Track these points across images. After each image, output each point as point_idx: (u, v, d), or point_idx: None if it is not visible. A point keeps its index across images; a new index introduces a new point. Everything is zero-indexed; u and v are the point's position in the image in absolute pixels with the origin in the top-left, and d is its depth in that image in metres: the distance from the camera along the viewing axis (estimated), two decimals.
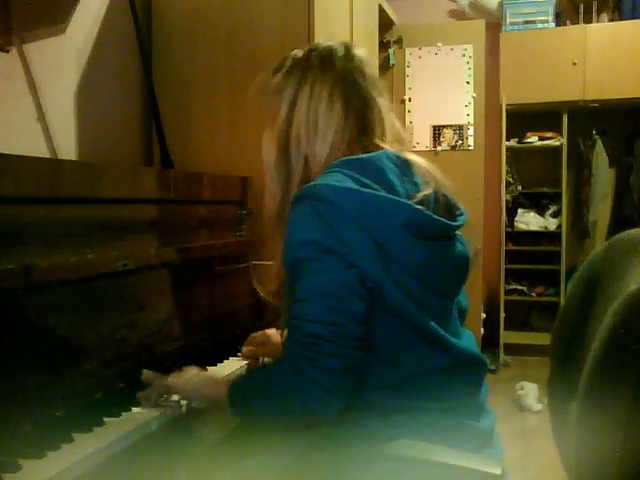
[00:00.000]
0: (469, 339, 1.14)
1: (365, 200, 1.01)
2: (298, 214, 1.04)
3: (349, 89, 1.13)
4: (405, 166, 1.10)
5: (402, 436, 1.01)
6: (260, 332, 1.50)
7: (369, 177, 1.05)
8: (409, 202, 1.03)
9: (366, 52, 1.20)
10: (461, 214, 1.14)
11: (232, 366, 1.41)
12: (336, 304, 0.97)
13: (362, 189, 1.02)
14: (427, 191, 1.08)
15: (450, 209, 1.12)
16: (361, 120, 1.14)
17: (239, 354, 1.50)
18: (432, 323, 1.04)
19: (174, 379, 1.17)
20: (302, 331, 0.98)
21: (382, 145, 1.13)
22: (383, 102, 1.17)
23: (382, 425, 1.03)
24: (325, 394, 0.97)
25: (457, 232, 1.13)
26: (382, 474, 1.01)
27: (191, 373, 1.19)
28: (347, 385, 0.99)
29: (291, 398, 0.98)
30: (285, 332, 1.10)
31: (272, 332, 1.50)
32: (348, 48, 1.18)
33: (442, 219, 1.06)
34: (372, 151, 1.11)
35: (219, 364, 1.42)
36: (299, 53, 1.20)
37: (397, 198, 1.03)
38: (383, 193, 1.03)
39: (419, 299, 1.03)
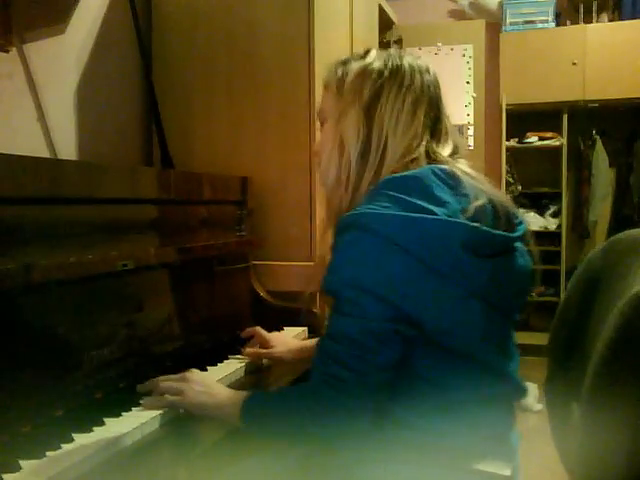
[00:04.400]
0: (516, 363, 1.11)
1: (416, 225, 0.96)
2: (343, 246, 1.00)
3: (430, 103, 1.12)
4: (452, 179, 1.05)
5: (427, 449, 1.01)
6: (264, 335, 1.51)
7: (415, 195, 0.99)
8: (464, 221, 0.98)
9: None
10: (520, 223, 1.09)
11: (231, 366, 1.41)
12: (363, 353, 0.96)
13: (411, 214, 0.96)
14: (479, 202, 1.02)
15: (509, 219, 1.08)
16: (433, 131, 1.12)
17: (239, 355, 1.49)
18: (490, 352, 1.03)
19: (178, 398, 1.13)
20: (328, 370, 0.99)
21: (441, 152, 1.12)
22: (449, 118, 1.17)
23: (402, 433, 1.03)
24: (348, 427, 0.99)
25: (517, 244, 1.07)
26: (389, 476, 1.01)
27: (195, 390, 1.13)
28: (369, 419, 1.00)
29: (316, 430, 1.00)
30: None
31: (275, 338, 1.51)
32: (428, 68, 1.16)
33: (500, 232, 1.02)
34: (436, 159, 1.09)
35: (219, 364, 1.42)
36: (377, 63, 1.13)
37: (450, 218, 0.98)
38: (434, 216, 0.97)
39: (482, 324, 1.00)
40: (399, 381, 1.01)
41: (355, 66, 1.13)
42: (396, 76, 1.11)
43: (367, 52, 1.16)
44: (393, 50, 1.17)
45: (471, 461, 1.02)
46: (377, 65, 1.12)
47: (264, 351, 1.49)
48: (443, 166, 1.07)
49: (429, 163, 1.08)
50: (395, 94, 1.10)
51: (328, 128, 1.16)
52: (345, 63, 1.16)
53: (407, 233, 0.95)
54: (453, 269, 0.97)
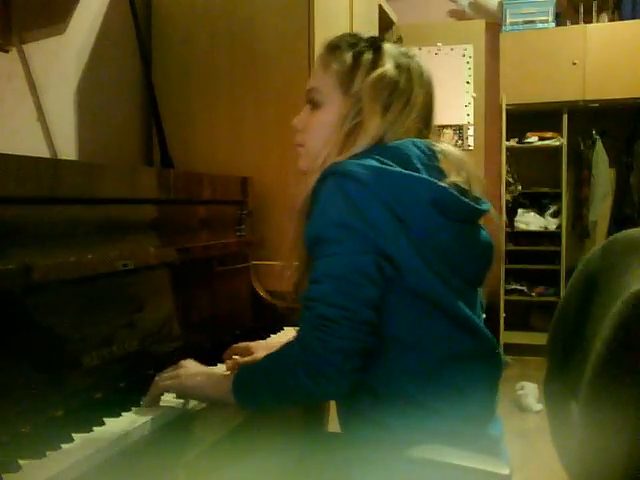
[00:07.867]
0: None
1: (392, 178, 1.02)
2: (325, 192, 1.04)
3: (426, 105, 1.15)
4: (433, 154, 1.10)
5: (417, 439, 1.01)
6: (243, 344, 1.46)
7: (392, 160, 1.05)
8: (434, 180, 1.04)
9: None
10: (484, 203, 1.13)
11: None
12: (349, 288, 0.98)
13: (389, 167, 1.03)
14: (456, 178, 1.08)
15: (475, 199, 1.12)
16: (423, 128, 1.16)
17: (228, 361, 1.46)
18: (459, 302, 1.04)
19: (174, 381, 1.13)
20: (314, 312, 0.99)
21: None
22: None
23: (395, 426, 1.03)
24: (335, 373, 0.97)
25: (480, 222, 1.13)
26: (389, 476, 1.01)
27: (190, 372, 1.15)
28: (357, 366, 0.99)
29: (302, 378, 0.98)
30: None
31: (255, 344, 1.46)
32: (425, 71, 1.17)
33: (469, 201, 1.07)
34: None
35: (218, 364, 1.42)
36: (391, 71, 1.13)
37: (424, 176, 1.04)
38: (410, 172, 1.04)
39: (446, 279, 1.03)
40: (376, 347, 1.01)
41: (368, 67, 1.12)
42: (406, 86, 1.12)
43: (378, 49, 1.14)
44: (400, 50, 1.17)
45: (450, 442, 1.01)
46: (391, 74, 1.12)
47: (247, 358, 1.42)
48: (424, 140, 1.12)
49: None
50: (404, 104, 1.12)
51: (323, 117, 1.15)
52: (356, 53, 1.14)
53: (385, 185, 1.01)
54: (421, 225, 1.02)
